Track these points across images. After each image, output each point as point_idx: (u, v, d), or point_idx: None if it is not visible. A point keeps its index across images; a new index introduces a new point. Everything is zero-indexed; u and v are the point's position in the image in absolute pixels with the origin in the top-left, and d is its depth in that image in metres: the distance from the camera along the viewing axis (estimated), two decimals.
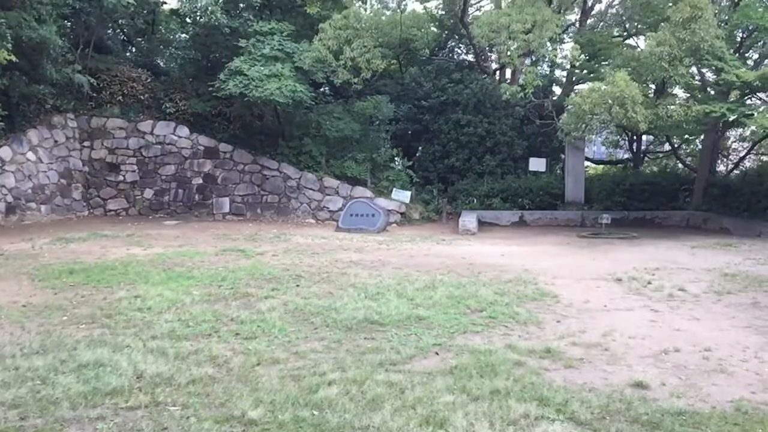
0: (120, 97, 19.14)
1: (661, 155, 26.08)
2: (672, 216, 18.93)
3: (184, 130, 19.15)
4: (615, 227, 17.14)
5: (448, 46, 24.65)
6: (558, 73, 24.04)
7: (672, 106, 15.65)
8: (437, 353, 5.95)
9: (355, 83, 18.05)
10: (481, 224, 17.82)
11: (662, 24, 15.30)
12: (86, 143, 18.83)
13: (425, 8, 24.07)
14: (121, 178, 18.93)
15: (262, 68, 16.95)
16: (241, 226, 16.94)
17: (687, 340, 6.44)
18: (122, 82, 19.19)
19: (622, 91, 13.90)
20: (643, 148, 24.58)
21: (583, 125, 15.62)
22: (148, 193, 19.01)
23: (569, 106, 16.37)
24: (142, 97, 19.37)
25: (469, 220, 16.92)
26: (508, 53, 16.22)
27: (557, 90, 23.97)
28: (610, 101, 14.44)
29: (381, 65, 18.32)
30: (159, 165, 19.08)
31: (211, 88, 17.81)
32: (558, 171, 22.10)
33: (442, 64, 22.97)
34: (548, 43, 16.89)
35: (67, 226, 15.60)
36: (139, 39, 23.34)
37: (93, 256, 11.22)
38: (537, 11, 15.83)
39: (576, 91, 21.29)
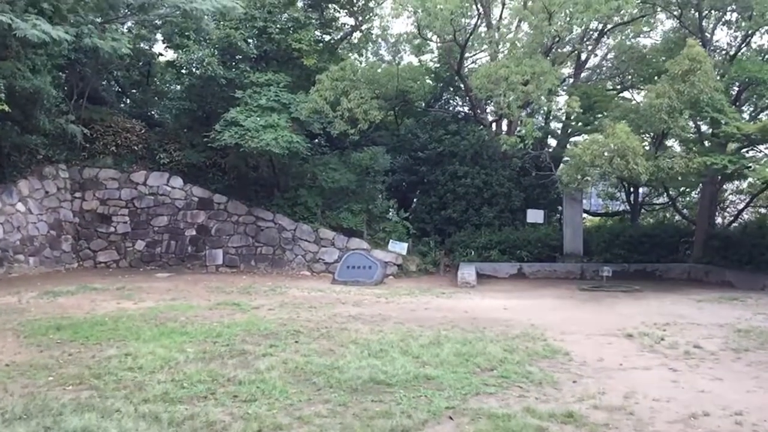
0: (113, 148, 18.90)
1: (658, 207, 25.96)
2: (673, 269, 18.63)
3: (177, 181, 18.88)
4: (616, 280, 16.81)
5: (444, 97, 24.68)
6: (553, 124, 24.10)
7: (672, 158, 15.51)
8: (451, 417, 5.56)
9: (351, 134, 17.98)
10: (480, 276, 17.46)
11: (660, 76, 15.27)
12: (77, 194, 18.49)
13: (420, 61, 24.28)
14: (112, 229, 18.54)
15: (258, 119, 16.81)
16: (235, 278, 16.54)
17: (715, 403, 6.07)
18: (116, 133, 18.96)
19: (623, 143, 13.78)
20: (640, 199, 24.46)
21: (581, 176, 15.46)
22: (140, 245, 18.60)
23: (567, 158, 16.23)
24: (135, 147, 19.13)
25: (468, 272, 16.57)
26: (507, 104, 16.14)
27: (552, 142, 23.98)
28: (608, 153, 14.32)
29: (378, 116, 18.24)
30: (151, 216, 18.73)
31: (206, 139, 17.62)
32: (556, 223, 21.87)
33: (438, 115, 22.97)
34: (543, 97, 16.85)
35: (55, 279, 15.17)
36: (134, 90, 23.28)
37: (82, 310, 10.80)
38: (535, 63, 15.83)
39: (572, 142, 21.24)
